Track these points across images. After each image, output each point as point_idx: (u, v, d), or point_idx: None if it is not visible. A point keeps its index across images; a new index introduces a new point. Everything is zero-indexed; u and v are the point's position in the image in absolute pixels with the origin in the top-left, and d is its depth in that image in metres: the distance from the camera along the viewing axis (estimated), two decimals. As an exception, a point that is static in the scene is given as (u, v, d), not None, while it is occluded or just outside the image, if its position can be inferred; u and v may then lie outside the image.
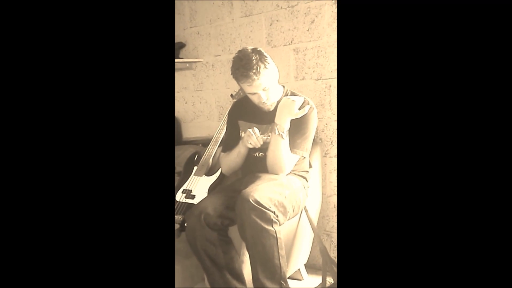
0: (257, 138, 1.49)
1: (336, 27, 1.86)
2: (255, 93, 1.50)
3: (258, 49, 1.50)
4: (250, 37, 2.19)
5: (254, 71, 1.43)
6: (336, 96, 1.91)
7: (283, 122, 1.46)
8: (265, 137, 1.54)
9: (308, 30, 1.97)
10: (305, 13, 1.97)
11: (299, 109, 1.47)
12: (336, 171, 1.94)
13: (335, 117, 1.93)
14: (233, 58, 1.50)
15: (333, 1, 1.86)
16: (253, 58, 1.45)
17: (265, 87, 1.48)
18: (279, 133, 1.46)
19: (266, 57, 1.48)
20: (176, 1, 2.43)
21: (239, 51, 1.50)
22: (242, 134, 1.64)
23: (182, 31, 2.48)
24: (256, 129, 1.51)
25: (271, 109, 1.55)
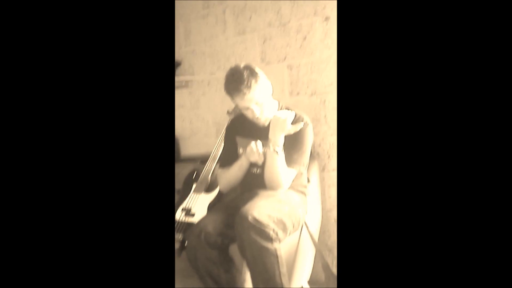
0: (259, 155, 1.50)
1: (328, 43, 1.89)
2: (248, 108, 1.53)
3: (250, 65, 1.53)
4: (244, 55, 2.22)
5: (245, 85, 1.46)
6: (331, 110, 1.93)
7: (276, 138, 1.48)
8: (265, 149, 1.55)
9: (300, 46, 2.00)
10: (297, 30, 2.00)
11: (292, 123, 1.49)
12: (335, 186, 1.95)
13: (331, 131, 1.94)
14: (226, 74, 1.53)
15: (325, 18, 1.90)
16: (244, 73, 1.48)
17: (258, 101, 1.51)
18: (273, 149, 1.48)
19: (257, 72, 1.52)
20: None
21: (231, 68, 1.54)
22: (240, 150, 1.65)
23: (177, 50, 2.51)
24: (259, 143, 1.51)
25: (266, 124, 1.57)
